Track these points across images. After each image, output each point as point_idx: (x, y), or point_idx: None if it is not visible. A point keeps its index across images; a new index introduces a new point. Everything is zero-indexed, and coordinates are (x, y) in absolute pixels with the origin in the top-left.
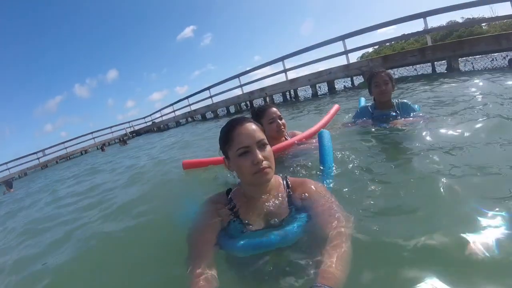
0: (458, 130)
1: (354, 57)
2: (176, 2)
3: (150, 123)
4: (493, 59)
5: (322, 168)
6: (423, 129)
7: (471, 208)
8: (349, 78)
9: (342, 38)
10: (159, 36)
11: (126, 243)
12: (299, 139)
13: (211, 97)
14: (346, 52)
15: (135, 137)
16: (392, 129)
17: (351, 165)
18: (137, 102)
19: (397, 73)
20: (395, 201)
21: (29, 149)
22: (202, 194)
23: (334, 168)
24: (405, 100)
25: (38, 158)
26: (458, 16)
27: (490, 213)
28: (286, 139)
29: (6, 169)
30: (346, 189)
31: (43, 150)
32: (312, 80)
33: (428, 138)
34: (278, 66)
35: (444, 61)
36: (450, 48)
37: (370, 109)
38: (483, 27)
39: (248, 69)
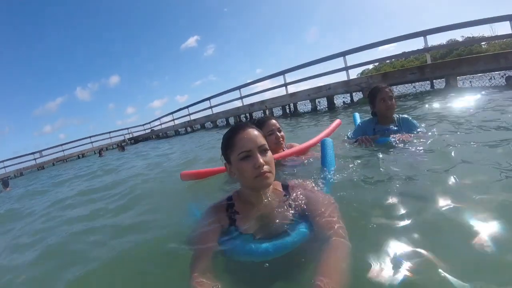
0: (458, 145)
1: (354, 74)
2: (182, 12)
3: (149, 130)
4: (491, 78)
5: (323, 174)
6: (424, 144)
7: (469, 216)
8: (349, 94)
9: (343, 54)
10: (163, 44)
11: (127, 248)
12: (299, 149)
13: (211, 107)
14: (346, 68)
15: (134, 144)
16: (394, 142)
17: (351, 174)
18: (137, 108)
19: (395, 90)
20: (395, 209)
21: (26, 149)
22: (206, 200)
23: (334, 175)
24: (406, 115)
25: (35, 159)
26: (458, 35)
27: (489, 227)
28: (284, 151)
29: (2, 167)
30: (346, 196)
31: (40, 151)
32: (312, 95)
33: (428, 152)
34: (279, 80)
35: (443, 79)
36: (449, 67)
37: (371, 124)
38: (483, 46)
39: (249, 81)
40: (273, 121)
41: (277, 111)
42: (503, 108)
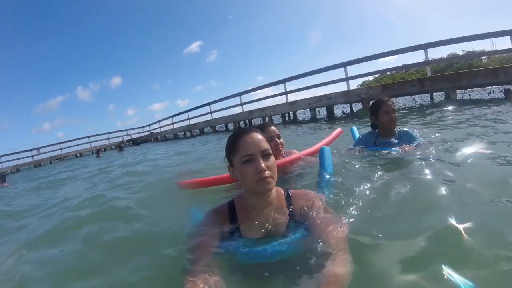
0: (459, 157)
1: (354, 84)
2: (185, 16)
3: (148, 133)
4: (490, 92)
5: (321, 182)
6: (425, 155)
7: (469, 223)
8: (348, 105)
9: (344, 64)
10: (166, 48)
11: (127, 250)
12: (299, 157)
13: (211, 112)
14: (347, 79)
15: (132, 146)
16: (396, 154)
17: (351, 182)
18: (138, 111)
19: (395, 102)
20: (394, 217)
21: (24, 146)
22: (208, 203)
23: (333, 183)
24: (406, 129)
25: (32, 156)
26: (459, 49)
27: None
28: (283, 158)
29: None
30: (345, 204)
31: (38, 148)
32: (312, 104)
33: (429, 164)
34: (279, 88)
35: (442, 92)
36: (449, 80)
37: (372, 137)
38: (483, 60)
39: (250, 88)
40: (273, 127)
41: (277, 119)
42: (503, 119)
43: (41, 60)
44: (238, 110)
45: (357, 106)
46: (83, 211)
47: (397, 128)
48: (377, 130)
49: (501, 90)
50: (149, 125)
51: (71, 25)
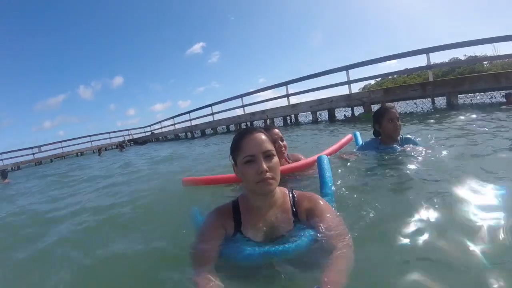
0: (460, 159)
1: (356, 88)
2: (188, 17)
3: (149, 133)
4: (492, 97)
5: (322, 191)
6: (425, 159)
7: (471, 223)
8: (350, 108)
9: (346, 68)
10: (169, 49)
11: (131, 249)
12: (303, 164)
13: (212, 114)
14: (349, 82)
15: (133, 145)
16: (397, 158)
17: (352, 190)
18: (139, 111)
19: (396, 106)
20: (395, 225)
21: (24, 143)
22: (211, 203)
23: (337, 188)
24: (409, 136)
25: (33, 154)
26: (461, 53)
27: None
28: (286, 160)
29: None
30: (350, 205)
31: (39, 146)
32: (314, 107)
33: (429, 167)
34: (281, 90)
35: (444, 96)
36: (450, 85)
37: (375, 144)
38: (485, 65)
39: (251, 90)
40: (276, 130)
41: (278, 121)
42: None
43: (43, 57)
44: (239, 112)
45: (358, 110)
46: (75, 211)
47: (400, 135)
48: (379, 137)
49: (503, 95)
50: (150, 125)
51: (74, 23)
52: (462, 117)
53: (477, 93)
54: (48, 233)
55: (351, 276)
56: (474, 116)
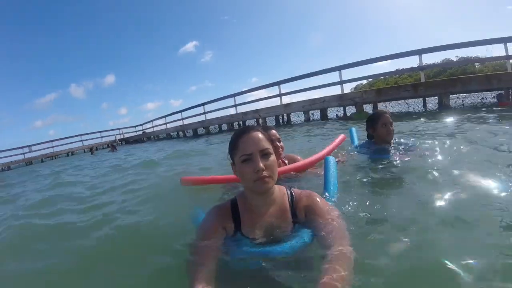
0: (452, 161)
1: (348, 88)
2: (182, 16)
3: (141, 132)
4: (483, 98)
5: (326, 194)
6: (421, 161)
7: (465, 221)
8: (342, 108)
9: (339, 68)
10: (161, 47)
11: (130, 247)
12: (302, 165)
13: (204, 113)
14: (341, 83)
15: (124, 145)
16: (393, 161)
17: (356, 186)
18: (130, 110)
19: (388, 106)
20: (395, 228)
21: (14, 143)
22: (211, 202)
23: (337, 194)
24: (402, 140)
25: (23, 153)
26: (453, 55)
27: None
28: (283, 161)
29: None
30: (350, 205)
31: (29, 146)
32: (306, 106)
33: (422, 168)
34: (274, 90)
35: (435, 97)
36: (442, 85)
37: (368, 147)
38: (476, 66)
39: (244, 89)
40: (273, 131)
41: (271, 121)
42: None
43: (35, 55)
44: (232, 111)
45: (350, 110)
46: (76, 212)
47: (393, 139)
48: (373, 141)
49: (494, 96)
50: (141, 125)
51: (66, 22)
52: (453, 118)
53: (468, 93)
54: (48, 233)
55: (350, 276)
56: (465, 116)
